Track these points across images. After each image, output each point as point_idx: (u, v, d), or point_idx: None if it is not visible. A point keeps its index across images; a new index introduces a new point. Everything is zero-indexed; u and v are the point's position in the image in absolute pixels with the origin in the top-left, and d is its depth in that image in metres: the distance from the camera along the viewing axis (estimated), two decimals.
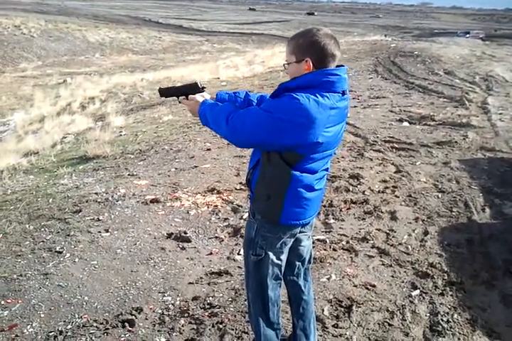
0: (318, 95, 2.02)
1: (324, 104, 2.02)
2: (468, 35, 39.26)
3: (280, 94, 2.11)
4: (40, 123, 11.69)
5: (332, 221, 4.63)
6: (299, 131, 2.00)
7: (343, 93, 2.14)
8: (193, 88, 2.54)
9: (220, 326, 3.10)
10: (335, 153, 2.39)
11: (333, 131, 2.12)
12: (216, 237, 4.33)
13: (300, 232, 2.44)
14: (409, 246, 4.16)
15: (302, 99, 1.98)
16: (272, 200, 2.24)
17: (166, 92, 2.72)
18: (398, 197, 5.18)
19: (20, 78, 22.48)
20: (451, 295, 3.46)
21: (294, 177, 2.16)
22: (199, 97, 2.46)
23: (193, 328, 3.09)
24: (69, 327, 3.08)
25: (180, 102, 2.60)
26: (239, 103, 2.51)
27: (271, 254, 2.38)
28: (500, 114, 8.92)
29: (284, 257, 2.44)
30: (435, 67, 14.38)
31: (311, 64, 2.10)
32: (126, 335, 3.02)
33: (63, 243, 4.18)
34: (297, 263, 2.60)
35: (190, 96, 2.50)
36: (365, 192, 5.29)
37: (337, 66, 2.16)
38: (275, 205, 2.24)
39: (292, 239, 2.42)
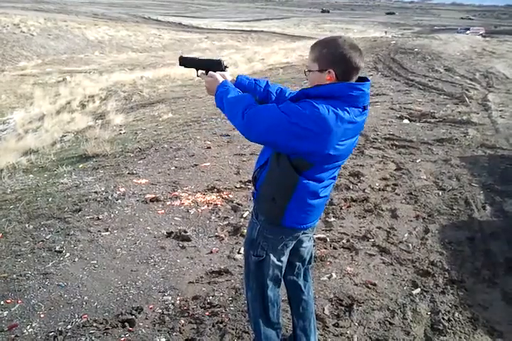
0: (338, 108, 1.99)
1: (343, 117, 1.99)
2: (468, 32, 39.16)
3: (300, 99, 2.07)
4: (40, 122, 11.68)
5: (332, 219, 4.62)
6: (313, 139, 1.98)
7: (364, 108, 2.12)
8: (216, 65, 2.46)
9: (221, 325, 3.09)
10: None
11: (346, 145, 2.10)
12: (216, 236, 4.32)
13: (302, 234, 2.43)
14: (410, 245, 4.15)
15: (322, 109, 1.95)
16: (276, 202, 2.23)
17: (186, 62, 2.62)
18: (399, 194, 5.17)
19: (20, 76, 22.44)
20: (452, 294, 3.45)
21: (301, 183, 2.14)
22: (219, 76, 2.39)
23: (193, 328, 3.08)
24: (69, 327, 3.07)
25: (198, 76, 2.53)
26: (258, 94, 2.45)
27: (272, 256, 2.37)
28: (500, 110, 8.89)
29: (284, 259, 2.43)
30: (435, 63, 14.35)
31: (334, 75, 2.06)
32: (126, 335, 3.01)
33: (63, 242, 4.17)
34: (297, 263, 2.59)
35: (210, 72, 2.43)
36: (366, 190, 5.27)
37: (361, 78, 2.13)
38: (279, 208, 2.23)
39: (294, 241, 2.41)
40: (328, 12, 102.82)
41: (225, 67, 2.48)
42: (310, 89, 2.10)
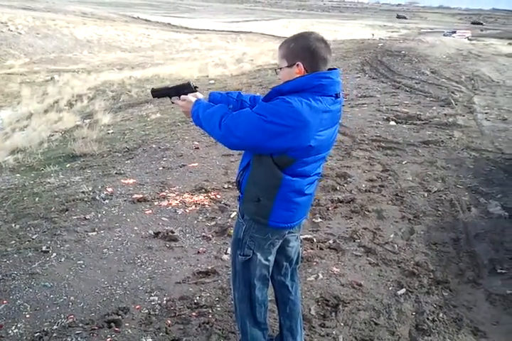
0: (310, 99, 2.03)
1: (317, 107, 2.03)
2: (454, 35, 39.42)
3: (273, 98, 2.11)
4: (28, 121, 11.59)
5: (319, 220, 4.65)
6: (292, 134, 2.01)
7: (337, 96, 2.14)
8: (186, 88, 2.53)
9: (207, 326, 3.10)
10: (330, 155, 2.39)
11: (325, 135, 2.13)
12: (203, 236, 4.32)
13: (288, 233, 2.44)
14: (396, 245, 4.19)
15: (294, 103, 1.99)
16: (262, 203, 2.25)
17: (158, 93, 2.70)
18: (385, 196, 5.21)
19: (7, 75, 22.20)
20: (437, 294, 3.49)
21: (285, 181, 2.16)
22: (192, 97, 2.44)
23: (180, 328, 3.09)
24: (54, 327, 3.06)
25: (173, 102, 2.59)
26: (232, 103, 2.49)
27: (259, 255, 2.38)
28: (486, 113, 8.99)
29: (271, 258, 2.45)
30: (422, 66, 14.44)
31: (303, 68, 2.11)
32: (113, 335, 3.00)
33: (49, 242, 4.15)
34: (285, 263, 2.61)
35: (182, 96, 2.49)
36: (352, 191, 5.31)
37: (330, 69, 2.17)
38: (264, 208, 2.25)
39: (280, 240, 2.43)
40: (405, 18, 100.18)
41: (195, 87, 2.55)
42: (281, 86, 2.15)
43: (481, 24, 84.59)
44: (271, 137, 2.02)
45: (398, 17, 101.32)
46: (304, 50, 2.10)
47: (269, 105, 2.06)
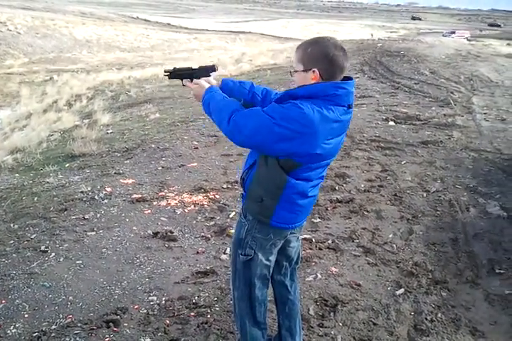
0: (323, 107, 2.01)
1: (328, 116, 2.02)
2: (453, 35, 39.51)
3: (285, 101, 2.09)
4: (27, 121, 11.59)
5: (318, 220, 4.65)
6: (299, 140, 2.00)
7: (349, 107, 2.14)
8: (205, 71, 2.51)
9: (206, 326, 3.09)
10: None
11: (333, 143, 2.13)
12: (202, 236, 4.32)
13: (290, 234, 2.44)
14: (395, 245, 4.19)
15: (306, 109, 1.97)
16: (265, 203, 2.24)
17: (172, 74, 2.64)
18: (384, 196, 5.21)
19: (6, 75, 22.21)
20: (436, 294, 3.49)
21: (289, 183, 2.16)
22: (204, 82, 2.42)
23: (179, 328, 3.08)
24: (53, 327, 3.06)
25: (184, 85, 2.55)
26: (243, 94, 2.46)
27: (260, 255, 2.38)
28: (484, 113, 9.01)
29: (272, 258, 2.44)
30: (421, 66, 14.47)
31: (319, 75, 2.08)
32: (111, 335, 3.00)
33: (48, 242, 4.14)
34: (285, 263, 2.61)
35: (195, 80, 2.46)
36: (351, 191, 5.31)
37: (345, 77, 2.16)
38: (267, 208, 2.25)
39: (282, 241, 2.43)
40: (420, 19, 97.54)
41: (212, 69, 2.51)
42: (295, 90, 2.12)
43: (499, 26, 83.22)
44: (277, 140, 2.01)
45: (413, 18, 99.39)
46: (322, 57, 2.06)
47: (280, 108, 2.04)
